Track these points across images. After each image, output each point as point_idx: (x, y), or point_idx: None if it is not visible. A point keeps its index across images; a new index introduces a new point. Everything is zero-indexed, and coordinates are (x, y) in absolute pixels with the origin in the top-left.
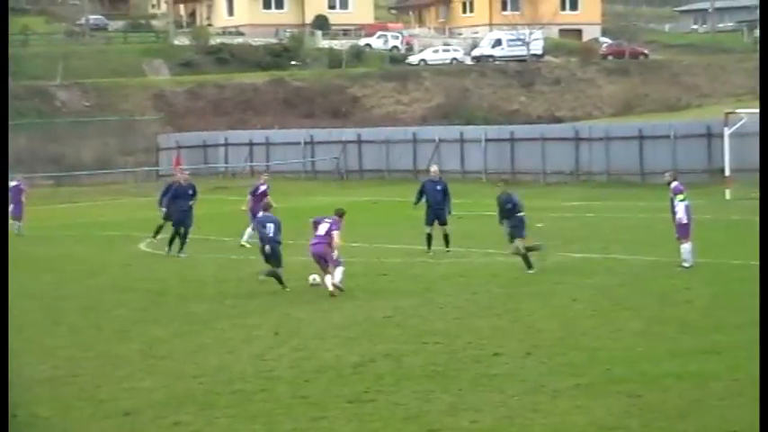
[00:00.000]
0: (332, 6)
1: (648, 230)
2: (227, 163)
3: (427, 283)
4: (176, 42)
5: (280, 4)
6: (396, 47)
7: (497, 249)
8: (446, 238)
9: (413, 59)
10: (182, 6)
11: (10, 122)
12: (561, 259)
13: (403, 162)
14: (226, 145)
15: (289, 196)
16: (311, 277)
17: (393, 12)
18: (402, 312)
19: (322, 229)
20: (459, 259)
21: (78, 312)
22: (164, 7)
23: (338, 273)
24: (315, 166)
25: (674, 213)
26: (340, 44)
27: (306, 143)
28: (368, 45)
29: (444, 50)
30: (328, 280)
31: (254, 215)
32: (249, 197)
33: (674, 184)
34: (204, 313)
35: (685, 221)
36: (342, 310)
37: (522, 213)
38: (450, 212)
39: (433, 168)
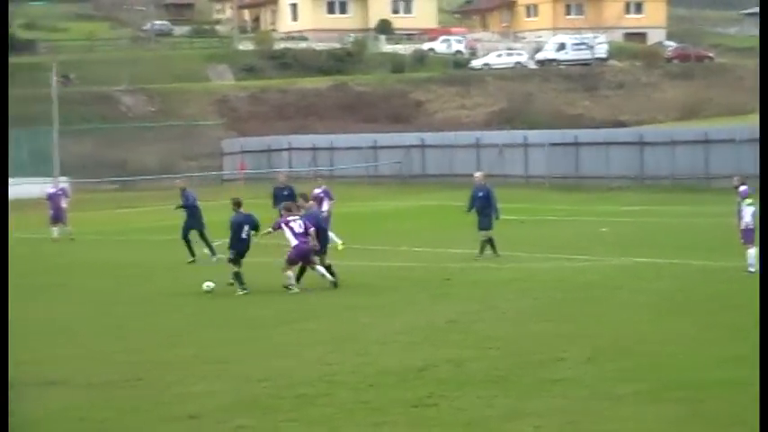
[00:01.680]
0: (395, 11)
1: (711, 235)
2: (290, 167)
3: (489, 288)
4: (240, 47)
5: (343, 9)
6: (459, 51)
7: (559, 254)
8: (490, 243)
9: (476, 64)
10: (246, 11)
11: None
12: (623, 264)
13: (466, 166)
14: (289, 149)
15: (351, 201)
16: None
17: (457, 16)
18: (464, 317)
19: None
20: (520, 264)
21: (139, 316)
22: (228, 12)
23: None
24: (378, 170)
25: (740, 218)
26: (403, 48)
27: (369, 148)
28: (431, 49)
29: (508, 54)
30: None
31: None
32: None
33: (743, 188)
34: (266, 317)
35: (752, 226)
36: (404, 314)
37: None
38: (496, 218)
39: (477, 174)
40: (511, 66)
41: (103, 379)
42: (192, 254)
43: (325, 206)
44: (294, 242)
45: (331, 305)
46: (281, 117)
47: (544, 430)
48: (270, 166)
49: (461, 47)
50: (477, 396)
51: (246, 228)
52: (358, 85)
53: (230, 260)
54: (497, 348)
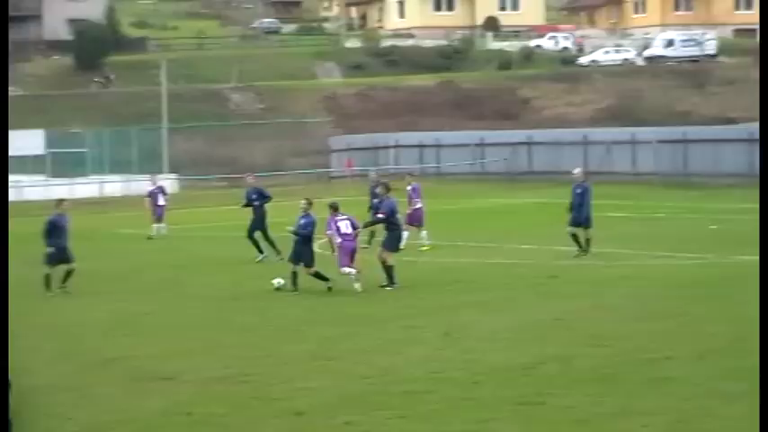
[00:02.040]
0: (502, 8)
1: None
2: (397, 165)
3: (596, 286)
4: (347, 45)
5: (450, 6)
6: (566, 48)
7: (667, 252)
8: (575, 238)
9: (583, 60)
10: (353, 9)
11: (185, 125)
12: (733, 261)
13: (573, 163)
14: (396, 147)
15: (458, 198)
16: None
17: (564, 13)
18: (572, 315)
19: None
20: (628, 262)
21: (251, 312)
22: (335, 10)
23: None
24: (484, 167)
25: None
26: (510, 46)
27: (476, 145)
28: (538, 46)
29: (615, 51)
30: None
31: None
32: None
33: None
34: (374, 314)
35: None
36: (510, 312)
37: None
38: (585, 216)
39: (576, 171)
40: (618, 63)
41: (214, 374)
42: (260, 250)
43: (418, 204)
44: (338, 240)
45: (438, 302)
46: (389, 114)
47: (653, 429)
48: (377, 164)
49: (569, 44)
50: (584, 394)
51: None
52: (465, 83)
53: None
54: (605, 346)
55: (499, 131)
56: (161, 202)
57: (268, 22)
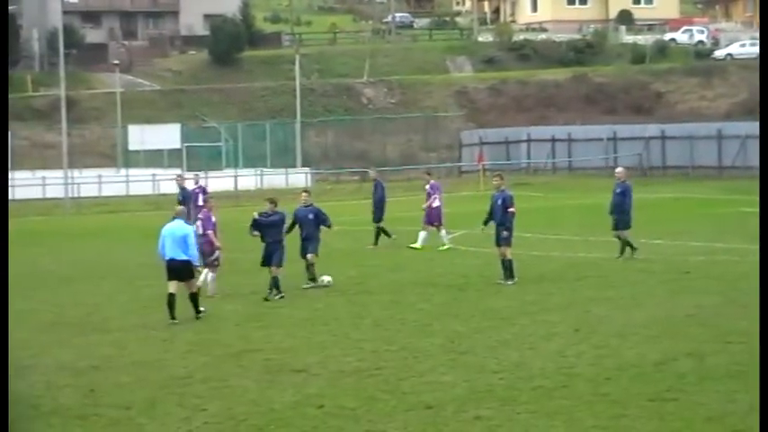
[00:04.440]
0: (636, 1)
1: None
2: (529, 159)
3: (730, 282)
4: (480, 39)
5: (584, 0)
6: (701, 41)
7: None
8: (621, 242)
9: (718, 54)
10: (486, 3)
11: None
12: None
13: (707, 158)
14: (528, 141)
15: (590, 192)
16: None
17: (699, 6)
18: (704, 311)
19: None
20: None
21: (382, 306)
22: (468, 4)
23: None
24: (617, 162)
25: None
26: (644, 39)
27: (608, 139)
28: (672, 40)
29: (752, 44)
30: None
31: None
32: None
33: None
34: (504, 309)
35: None
36: (643, 307)
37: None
38: (627, 219)
39: (618, 170)
40: (754, 56)
41: (346, 367)
42: (387, 234)
43: (436, 202)
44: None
45: (571, 297)
46: (520, 109)
47: None
48: (508, 158)
49: (704, 37)
50: (717, 390)
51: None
52: (598, 77)
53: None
54: (739, 342)
55: (632, 126)
56: (200, 202)
57: (401, 16)
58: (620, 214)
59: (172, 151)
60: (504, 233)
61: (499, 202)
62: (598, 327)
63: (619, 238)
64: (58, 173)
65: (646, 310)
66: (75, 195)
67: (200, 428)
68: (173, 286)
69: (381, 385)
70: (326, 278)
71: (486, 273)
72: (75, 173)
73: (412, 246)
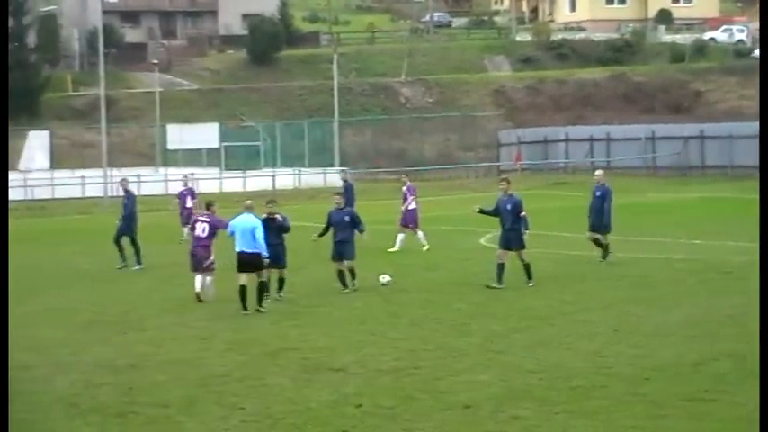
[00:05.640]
0: (675, 0)
1: None
2: (567, 159)
3: None
4: (518, 38)
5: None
6: (741, 41)
7: None
8: (597, 244)
9: (758, 53)
10: (524, 2)
11: (356, 118)
12: None
13: (747, 158)
14: (566, 140)
15: (629, 192)
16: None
17: (739, 4)
18: (744, 311)
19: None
20: None
21: (419, 305)
22: (506, 3)
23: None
24: (655, 161)
25: None
26: (683, 38)
27: (647, 139)
28: (712, 39)
29: None
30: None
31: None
32: None
33: None
34: (542, 308)
35: None
36: (681, 307)
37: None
38: (606, 222)
39: (597, 173)
40: None
41: (383, 367)
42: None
43: (412, 204)
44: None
45: (610, 297)
46: (558, 108)
47: None
48: (546, 158)
49: (743, 36)
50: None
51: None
52: (636, 76)
53: None
54: None
55: (671, 125)
56: (189, 204)
57: (439, 15)
58: (599, 217)
59: (210, 150)
60: (520, 237)
61: (508, 207)
62: (636, 327)
63: (595, 241)
64: (98, 172)
65: (684, 310)
66: (114, 194)
67: (238, 427)
68: (243, 278)
69: (418, 384)
70: (386, 277)
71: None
72: (114, 172)
73: (390, 250)
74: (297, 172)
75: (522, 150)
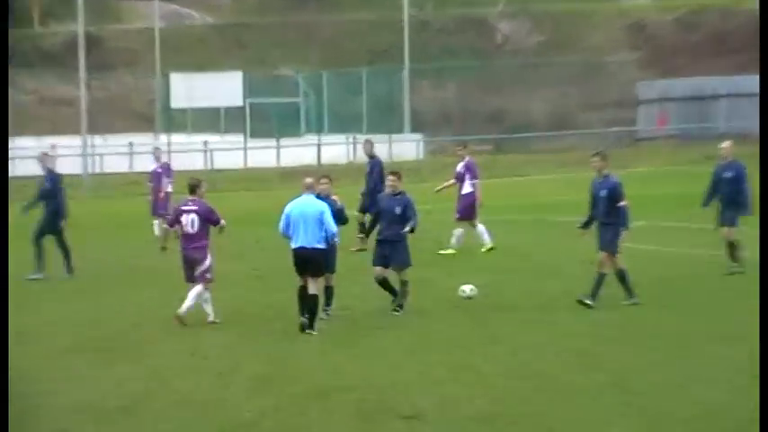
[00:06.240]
0: None
1: None
2: (729, 122)
3: None
4: None
5: None
6: None
7: None
8: (731, 247)
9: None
10: None
11: (434, 65)
12: None
13: None
14: (728, 96)
15: None
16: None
17: None
18: None
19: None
20: None
21: (522, 327)
22: None
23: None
24: None
25: None
26: None
27: None
28: None
29: None
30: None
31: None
32: None
33: None
34: (694, 333)
35: None
36: None
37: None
38: (742, 208)
39: (724, 144)
40: None
41: (471, 412)
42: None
43: (467, 187)
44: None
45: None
46: (721, 51)
47: None
48: (701, 120)
49: None
50: None
51: None
52: None
53: None
54: None
55: None
56: (169, 188)
57: None
58: (732, 207)
59: (230, 110)
60: (613, 236)
61: (603, 193)
62: None
63: (731, 245)
64: (74, 140)
65: None
66: (97, 171)
67: None
68: (304, 280)
69: None
70: (467, 288)
71: (666, 277)
72: (97, 140)
73: (441, 252)
74: (351, 140)
75: (668, 110)
